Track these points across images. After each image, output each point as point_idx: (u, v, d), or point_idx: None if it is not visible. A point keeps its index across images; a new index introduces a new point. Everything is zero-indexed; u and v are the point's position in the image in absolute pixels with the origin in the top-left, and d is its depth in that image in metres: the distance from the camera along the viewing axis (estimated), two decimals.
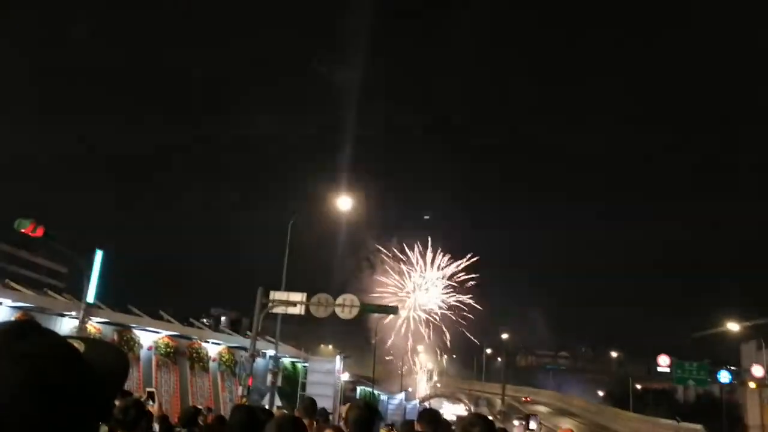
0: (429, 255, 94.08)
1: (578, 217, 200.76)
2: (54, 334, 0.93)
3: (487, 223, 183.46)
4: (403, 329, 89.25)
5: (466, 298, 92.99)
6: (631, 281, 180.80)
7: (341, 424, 5.22)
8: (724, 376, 48.76)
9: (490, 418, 4.38)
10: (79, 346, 1.05)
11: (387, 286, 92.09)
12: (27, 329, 0.89)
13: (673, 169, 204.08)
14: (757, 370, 47.56)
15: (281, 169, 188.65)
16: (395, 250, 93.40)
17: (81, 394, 0.89)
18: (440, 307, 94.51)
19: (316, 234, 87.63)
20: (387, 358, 77.43)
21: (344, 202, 29.10)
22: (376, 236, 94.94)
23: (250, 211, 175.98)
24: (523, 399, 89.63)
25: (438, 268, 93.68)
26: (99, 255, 22.83)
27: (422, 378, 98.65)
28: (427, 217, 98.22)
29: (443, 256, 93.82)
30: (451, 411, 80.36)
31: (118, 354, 1.17)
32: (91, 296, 22.44)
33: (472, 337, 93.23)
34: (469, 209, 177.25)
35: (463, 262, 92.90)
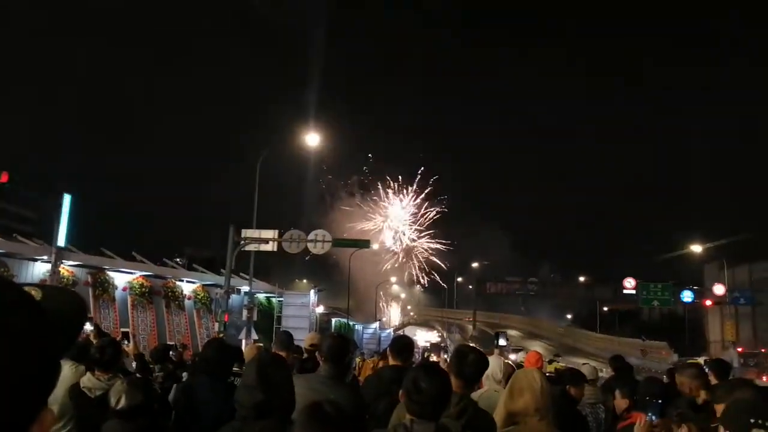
0: (400, 191, 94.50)
1: (546, 142, 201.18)
2: (10, 283, 0.94)
3: (460, 153, 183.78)
4: (377, 261, 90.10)
5: (430, 220, 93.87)
6: (596, 206, 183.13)
7: (317, 354, 5.31)
8: (687, 296, 49.96)
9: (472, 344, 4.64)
10: (36, 293, 1.06)
11: (359, 219, 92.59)
12: None
13: (635, 88, 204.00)
14: (719, 289, 48.85)
15: (251, 106, 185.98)
16: (365, 183, 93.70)
17: (39, 340, 0.91)
18: (412, 239, 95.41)
19: (288, 170, 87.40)
20: (360, 289, 78.12)
21: (312, 139, 28.80)
22: (346, 171, 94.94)
23: (220, 149, 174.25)
24: (466, 318, 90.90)
25: (408, 196, 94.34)
26: (67, 199, 22.57)
27: (396, 307, 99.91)
28: (370, 157, 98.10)
29: (412, 188, 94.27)
30: (425, 338, 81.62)
31: (75, 299, 1.18)
32: (61, 240, 22.29)
33: (443, 265, 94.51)
34: (439, 139, 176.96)
35: (426, 191, 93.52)
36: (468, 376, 4.13)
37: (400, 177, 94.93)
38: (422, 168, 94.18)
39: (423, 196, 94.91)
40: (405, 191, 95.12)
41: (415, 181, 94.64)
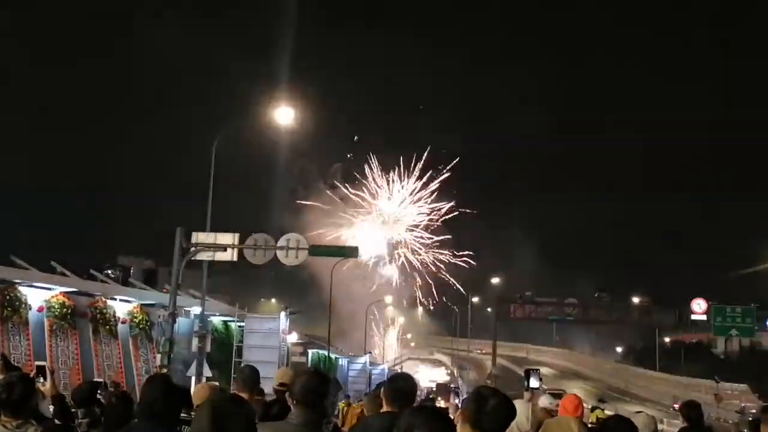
0: (401, 179, 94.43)
1: (583, 123, 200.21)
2: None
3: (476, 139, 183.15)
4: (367, 275, 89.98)
5: (436, 222, 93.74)
6: (654, 206, 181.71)
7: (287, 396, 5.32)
8: None
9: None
10: None
11: (344, 221, 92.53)
12: None
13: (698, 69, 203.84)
14: None
15: (204, 79, 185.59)
16: (351, 174, 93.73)
17: None
18: (414, 249, 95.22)
19: (252, 158, 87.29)
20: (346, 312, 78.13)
21: (284, 114, 28.68)
22: (328, 158, 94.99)
23: (165, 130, 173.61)
24: (479, 351, 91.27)
25: (407, 186, 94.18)
26: None
27: (392, 336, 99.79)
28: (356, 138, 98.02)
29: (412, 179, 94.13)
30: (429, 377, 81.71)
31: None
32: None
33: (454, 281, 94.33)
34: (448, 119, 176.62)
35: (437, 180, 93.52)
36: (488, 426, 4.02)
37: (396, 167, 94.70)
38: (427, 151, 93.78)
39: (428, 191, 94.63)
40: (403, 183, 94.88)
41: (415, 168, 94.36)
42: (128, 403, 8.71)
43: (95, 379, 22.76)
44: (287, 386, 6.59)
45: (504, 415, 4.10)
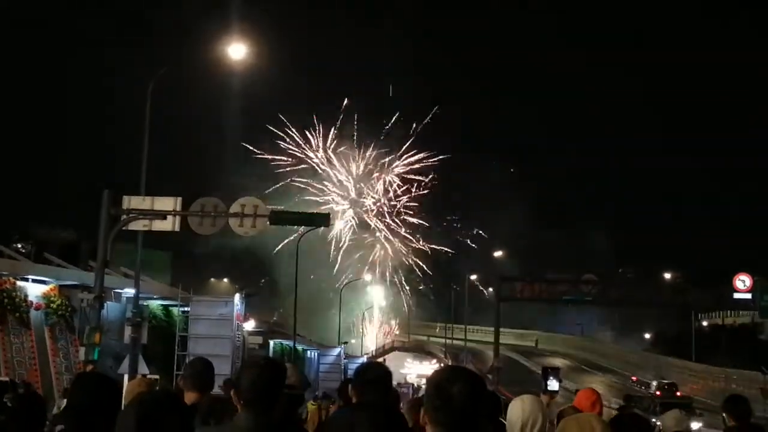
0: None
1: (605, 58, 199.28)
2: None
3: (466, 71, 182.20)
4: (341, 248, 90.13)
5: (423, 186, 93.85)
6: (688, 161, 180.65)
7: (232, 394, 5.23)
8: None
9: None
10: None
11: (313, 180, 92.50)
12: None
13: None
14: None
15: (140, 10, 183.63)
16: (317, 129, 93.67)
17: None
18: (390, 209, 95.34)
19: (196, 106, 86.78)
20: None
21: (236, 51, 28.60)
22: (291, 107, 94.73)
23: (88, 75, 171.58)
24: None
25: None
26: None
27: (374, 323, 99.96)
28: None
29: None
30: (419, 371, 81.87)
31: None
32: None
33: (446, 251, 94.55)
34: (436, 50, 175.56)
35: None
36: (452, 422, 3.64)
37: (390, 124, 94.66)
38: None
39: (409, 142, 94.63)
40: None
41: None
42: (40, 407, 8.61)
43: (1, 378, 22.70)
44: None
45: (472, 404, 3.67)
